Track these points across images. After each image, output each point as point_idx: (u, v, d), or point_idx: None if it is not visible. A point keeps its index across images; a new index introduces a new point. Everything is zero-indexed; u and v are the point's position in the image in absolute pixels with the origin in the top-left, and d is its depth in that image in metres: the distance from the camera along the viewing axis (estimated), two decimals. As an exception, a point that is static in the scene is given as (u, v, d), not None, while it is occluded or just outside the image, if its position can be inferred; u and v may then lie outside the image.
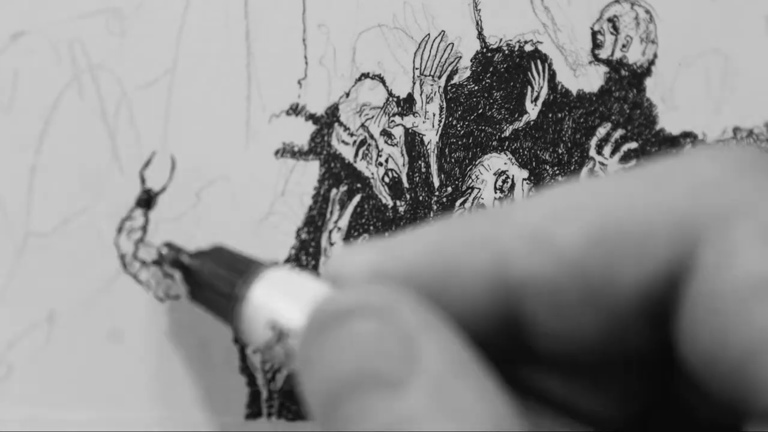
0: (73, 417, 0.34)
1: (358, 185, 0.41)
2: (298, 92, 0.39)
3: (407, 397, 0.22)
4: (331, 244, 0.40)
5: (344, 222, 0.40)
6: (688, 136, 0.49)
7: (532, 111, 0.45)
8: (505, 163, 0.44)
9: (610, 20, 0.46)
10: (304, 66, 0.39)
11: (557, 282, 0.24)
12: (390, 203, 0.41)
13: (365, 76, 0.41)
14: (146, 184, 0.36)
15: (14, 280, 0.34)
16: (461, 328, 0.25)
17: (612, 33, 0.47)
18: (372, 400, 0.23)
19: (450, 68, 0.43)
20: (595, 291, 0.24)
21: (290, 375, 0.39)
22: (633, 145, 0.47)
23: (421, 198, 0.42)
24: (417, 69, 0.42)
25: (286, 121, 0.39)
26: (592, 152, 0.46)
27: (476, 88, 0.43)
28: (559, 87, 0.45)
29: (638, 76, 0.47)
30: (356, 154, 0.40)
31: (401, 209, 0.41)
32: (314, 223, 0.40)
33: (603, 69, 0.46)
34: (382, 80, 0.41)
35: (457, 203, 0.43)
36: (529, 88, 0.45)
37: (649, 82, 0.48)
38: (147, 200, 0.36)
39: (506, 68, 0.44)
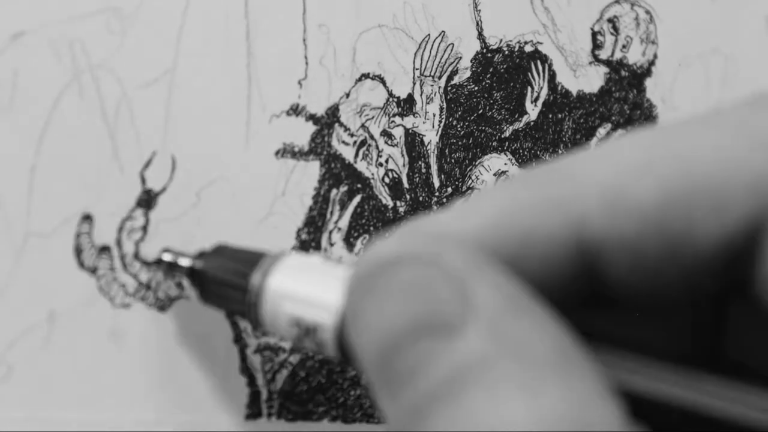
0: (73, 417, 0.34)
1: (359, 186, 0.41)
2: (298, 92, 0.39)
3: (466, 342, 0.22)
4: (332, 245, 0.40)
5: (344, 222, 0.40)
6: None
7: (532, 111, 0.45)
8: (505, 164, 0.44)
9: (610, 21, 0.46)
10: (304, 66, 0.39)
11: (635, 240, 0.23)
12: (390, 204, 0.41)
13: (365, 76, 0.41)
14: (146, 184, 0.36)
15: (14, 280, 0.34)
16: (534, 284, 0.24)
17: (612, 33, 0.47)
18: (429, 347, 0.22)
19: (450, 69, 0.43)
20: (674, 246, 0.23)
21: (291, 375, 0.39)
22: (633, 145, 0.47)
23: (421, 198, 0.42)
24: (417, 69, 0.42)
25: (287, 121, 0.39)
26: (592, 153, 0.46)
27: (476, 88, 0.43)
28: (559, 87, 0.45)
29: (638, 76, 0.47)
30: (356, 155, 0.40)
31: (401, 210, 0.41)
32: (314, 223, 0.40)
33: (603, 69, 0.46)
34: (383, 81, 0.41)
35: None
36: (529, 88, 0.45)
37: (649, 83, 0.48)
38: (147, 200, 0.36)
39: (506, 69, 0.44)
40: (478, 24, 0.43)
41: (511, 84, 0.44)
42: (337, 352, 0.28)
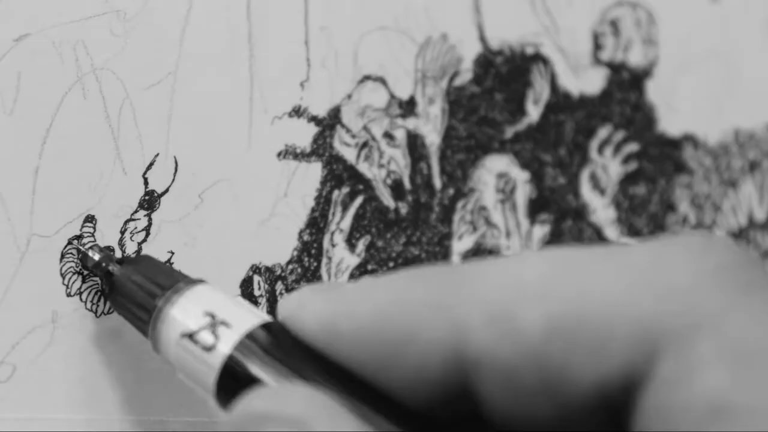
0: (76, 418, 0.34)
1: (360, 187, 0.41)
2: (300, 94, 0.39)
3: None
4: (333, 246, 0.40)
5: (346, 223, 0.40)
6: (689, 137, 0.49)
7: (534, 113, 0.45)
8: (507, 165, 0.44)
9: (611, 22, 0.47)
10: (306, 68, 0.39)
11: (513, 365, 0.23)
12: (392, 205, 0.41)
13: (367, 78, 0.41)
14: (149, 185, 0.36)
15: (18, 281, 0.34)
16: (409, 392, 0.25)
17: (613, 35, 0.47)
18: None
19: (452, 70, 0.43)
20: (551, 379, 0.23)
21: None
22: (634, 146, 0.47)
23: (422, 200, 0.42)
24: (419, 71, 0.42)
25: (289, 122, 0.39)
26: (593, 154, 0.46)
27: (478, 90, 0.43)
28: (561, 89, 0.45)
29: (639, 78, 0.47)
30: (358, 156, 0.41)
31: (403, 211, 0.42)
32: (316, 224, 0.40)
33: (604, 71, 0.46)
34: (384, 82, 0.41)
35: (459, 205, 0.43)
36: (531, 90, 0.45)
37: (650, 84, 0.48)
38: (150, 202, 0.36)
39: (508, 70, 0.44)
40: (479, 26, 0.43)
41: (513, 86, 0.44)
42: (215, 393, 0.28)
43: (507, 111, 0.44)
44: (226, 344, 0.28)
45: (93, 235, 0.35)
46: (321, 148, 0.40)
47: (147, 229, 0.36)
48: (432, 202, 0.42)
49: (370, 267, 0.41)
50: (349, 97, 0.40)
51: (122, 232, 0.35)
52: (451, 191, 0.43)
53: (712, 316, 0.22)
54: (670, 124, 0.48)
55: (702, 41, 0.49)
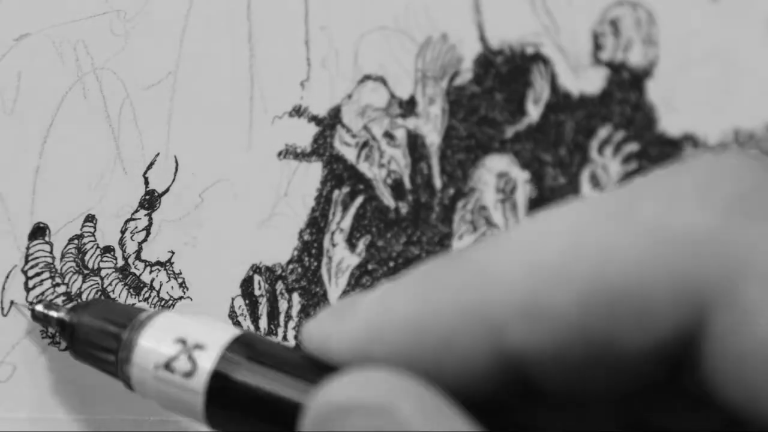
0: (75, 418, 0.34)
1: (361, 187, 0.41)
2: (300, 94, 0.39)
3: None
4: (334, 245, 0.40)
5: (347, 223, 0.40)
6: (689, 137, 0.49)
7: (534, 113, 0.45)
8: (507, 165, 0.44)
9: (611, 22, 0.47)
10: (306, 68, 0.39)
11: (558, 348, 0.23)
12: (392, 205, 0.41)
13: (367, 78, 0.41)
14: (149, 185, 0.36)
15: (18, 281, 0.34)
16: (457, 395, 0.24)
17: (613, 35, 0.47)
18: None
19: (452, 70, 0.43)
20: (599, 352, 0.23)
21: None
22: (634, 146, 0.47)
23: (423, 200, 0.42)
24: (419, 71, 0.42)
25: (289, 122, 0.39)
26: (594, 154, 0.46)
27: (478, 90, 0.43)
28: (561, 89, 0.45)
29: (639, 77, 0.47)
30: (359, 156, 0.41)
31: (403, 211, 0.42)
32: (317, 224, 0.40)
33: (604, 71, 0.46)
34: (385, 82, 0.41)
35: (459, 205, 0.43)
36: (531, 90, 0.45)
37: (650, 84, 0.48)
38: (150, 201, 0.36)
39: (508, 70, 0.44)
40: (479, 26, 0.43)
41: (513, 85, 0.44)
42: (205, 417, 0.28)
43: (507, 111, 0.44)
44: (205, 364, 0.27)
45: (93, 235, 0.35)
46: (321, 148, 0.40)
47: (147, 229, 0.36)
48: (432, 202, 0.42)
49: (370, 267, 0.41)
50: (350, 96, 0.40)
51: (122, 232, 0.35)
52: (451, 191, 0.43)
53: (748, 256, 0.21)
54: (670, 124, 0.48)
55: (702, 41, 0.49)
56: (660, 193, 0.23)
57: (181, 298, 0.36)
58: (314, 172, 0.40)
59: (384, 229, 0.41)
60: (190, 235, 0.37)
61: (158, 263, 0.36)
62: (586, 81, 0.46)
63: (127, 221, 0.35)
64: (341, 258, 0.40)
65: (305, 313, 0.39)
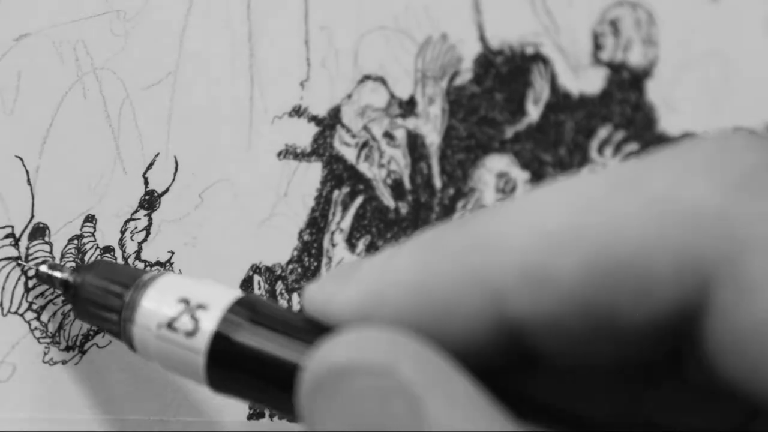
0: (76, 418, 0.34)
1: (361, 187, 0.41)
2: (300, 94, 0.39)
3: None
4: (333, 245, 0.40)
5: (346, 223, 0.40)
6: (689, 137, 0.49)
7: (534, 113, 0.45)
8: (507, 165, 0.44)
9: (611, 22, 0.47)
10: (306, 68, 0.39)
11: (559, 316, 0.23)
12: (392, 205, 0.41)
13: (367, 78, 0.41)
14: (149, 185, 0.36)
15: (18, 280, 0.34)
16: (453, 354, 0.23)
17: (613, 35, 0.47)
18: None
19: (452, 70, 0.43)
20: (600, 323, 0.22)
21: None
22: (634, 146, 0.47)
23: (423, 200, 0.42)
24: (419, 71, 0.42)
25: (289, 122, 0.39)
26: (594, 154, 0.46)
27: (478, 90, 0.43)
28: (561, 89, 0.45)
29: (639, 77, 0.47)
30: (358, 156, 0.41)
31: (403, 211, 0.42)
32: (317, 224, 0.40)
33: (604, 71, 0.46)
34: (384, 82, 0.41)
35: (459, 205, 0.43)
36: (531, 90, 0.45)
37: (649, 84, 0.48)
38: (150, 201, 0.36)
39: (508, 70, 0.44)
40: (479, 26, 0.43)
41: (513, 85, 0.44)
42: (206, 377, 0.28)
43: (507, 111, 0.44)
44: (208, 324, 0.27)
45: (93, 235, 0.35)
46: (321, 148, 0.40)
47: (147, 229, 0.36)
48: (432, 202, 0.42)
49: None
50: (349, 97, 0.40)
51: (122, 232, 0.35)
52: (451, 191, 0.43)
53: (753, 232, 0.21)
54: (670, 124, 0.48)
55: (702, 41, 0.49)
56: (669, 168, 0.23)
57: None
58: (314, 172, 0.40)
59: (384, 229, 0.41)
60: (190, 235, 0.37)
61: (158, 263, 0.36)
62: (586, 81, 0.46)
63: (127, 221, 0.35)
64: (341, 258, 0.40)
65: (305, 313, 0.39)
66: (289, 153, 0.39)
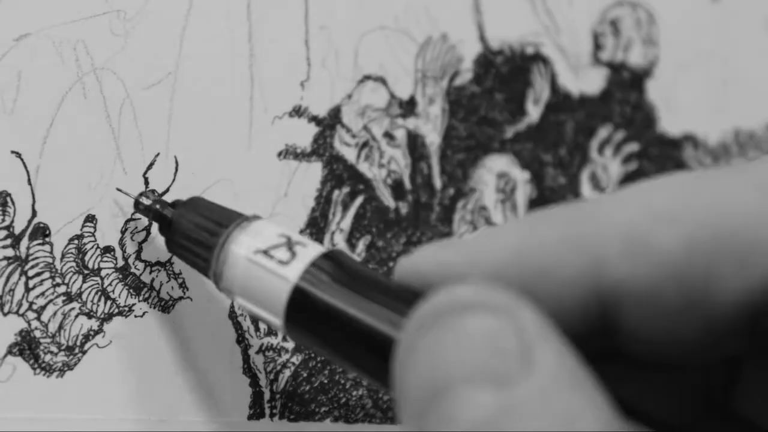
0: (76, 417, 0.34)
1: (361, 187, 0.41)
2: (300, 94, 0.39)
3: (517, 394, 0.22)
4: (334, 246, 0.40)
5: (346, 223, 0.40)
6: (689, 137, 0.49)
7: (534, 113, 0.45)
8: (507, 165, 0.44)
9: (611, 22, 0.47)
10: (306, 68, 0.39)
11: (655, 287, 0.23)
12: (392, 205, 0.41)
13: (367, 78, 0.41)
14: (149, 185, 0.36)
15: (19, 281, 0.34)
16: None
17: (613, 35, 0.47)
18: (481, 393, 0.22)
19: (452, 70, 0.43)
20: (694, 296, 0.23)
21: (293, 376, 0.39)
22: (634, 146, 0.47)
23: (423, 200, 0.42)
24: (419, 71, 0.42)
25: (289, 122, 0.39)
26: (594, 154, 0.46)
27: (478, 90, 0.43)
28: (561, 89, 0.45)
29: (639, 78, 0.47)
30: (358, 156, 0.41)
31: (403, 211, 0.42)
32: (317, 224, 0.40)
33: (604, 71, 0.46)
34: (384, 82, 0.41)
35: (459, 205, 0.43)
36: (531, 90, 0.45)
37: (650, 84, 0.48)
38: (150, 201, 0.36)
39: (508, 70, 0.44)
40: (479, 26, 0.43)
41: (513, 85, 0.44)
42: (286, 312, 0.27)
43: (507, 111, 0.44)
44: (304, 257, 0.27)
45: (93, 235, 0.35)
46: (321, 148, 0.40)
47: (147, 229, 0.36)
48: (432, 202, 0.42)
49: (370, 266, 0.41)
50: (349, 96, 0.40)
51: (122, 232, 0.35)
52: (451, 191, 0.43)
53: None
54: (670, 124, 0.48)
55: (702, 41, 0.49)
56: None
57: (181, 298, 0.36)
58: (314, 172, 0.40)
59: (384, 229, 0.41)
60: (190, 235, 0.37)
61: (158, 263, 0.36)
62: (586, 81, 0.46)
63: (127, 221, 0.35)
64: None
65: (305, 313, 0.39)
66: (289, 153, 0.39)
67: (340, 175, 0.40)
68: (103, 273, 0.35)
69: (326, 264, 0.27)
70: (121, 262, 0.35)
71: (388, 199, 0.41)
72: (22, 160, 0.33)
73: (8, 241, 0.33)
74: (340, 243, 0.40)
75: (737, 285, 0.23)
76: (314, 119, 0.40)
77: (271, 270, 0.28)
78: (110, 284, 0.35)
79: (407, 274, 0.26)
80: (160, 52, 0.36)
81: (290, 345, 0.39)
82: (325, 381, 0.39)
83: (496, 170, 0.44)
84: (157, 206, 0.34)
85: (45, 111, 0.34)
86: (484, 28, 0.43)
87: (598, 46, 0.46)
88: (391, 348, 0.24)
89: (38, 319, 0.34)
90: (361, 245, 0.41)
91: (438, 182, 0.42)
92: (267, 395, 0.38)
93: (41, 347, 0.34)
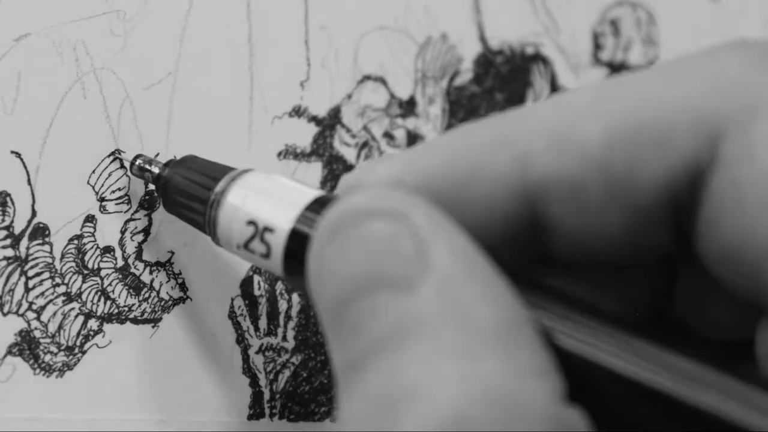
0: (76, 418, 0.34)
1: (361, 187, 0.41)
2: (300, 94, 0.39)
3: (414, 300, 0.22)
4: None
5: (346, 223, 0.40)
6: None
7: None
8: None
9: (611, 22, 0.47)
10: (306, 68, 0.39)
11: (579, 180, 0.24)
12: (392, 205, 0.41)
13: (367, 78, 0.41)
14: (150, 185, 0.36)
15: (19, 280, 0.34)
16: (479, 233, 0.25)
17: (613, 35, 0.47)
18: (381, 300, 0.23)
19: (452, 70, 0.43)
20: (618, 187, 0.24)
21: (293, 376, 0.39)
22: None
23: (423, 199, 0.42)
24: (419, 71, 0.42)
25: (289, 122, 0.39)
26: (594, 154, 0.46)
27: (478, 90, 0.43)
28: (561, 89, 0.45)
29: (639, 78, 0.47)
30: (358, 156, 0.41)
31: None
32: (316, 224, 0.40)
33: (604, 71, 0.46)
34: (384, 82, 0.41)
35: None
36: (531, 90, 0.45)
37: (650, 84, 0.48)
38: (150, 201, 0.36)
39: (508, 70, 0.44)
40: (479, 26, 0.43)
41: (513, 85, 0.44)
42: (283, 264, 0.28)
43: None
44: (310, 193, 0.28)
45: (93, 235, 0.35)
46: (321, 148, 0.40)
47: (147, 229, 0.36)
48: (432, 202, 0.42)
49: None
50: (349, 97, 0.40)
51: (122, 232, 0.35)
52: (451, 191, 0.43)
53: (766, 98, 0.23)
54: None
55: (702, 41, 0.49)
56: (699, 56, 0.24)
57: (181, 298, 0.36)
58: (314, 172, 0.40)
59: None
60: (189, 235, 0.37)
61: (158, 263, 0.36)
62: (586, 81, 0.46)
63: (127, 221, 0.35)
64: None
65: (305, 313, 0.39)
66: (289, 153, 0.39)
67: (340, 175, 0.40)
68: (102, 273, 0.35)
69: (319, 208, 0.28)
70: (121, 262, 0.35)
71: (388, 199, 0.41)
72: (22, 160, 0.33)
73: (8, 241, 0.33)
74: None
75: (658, 171, 0.23)
76: (314, 119, 0.40)
77: (267, 216, 0.29)
78: (110, 284, 0.35)
79: (350, 189, 0.26)
80: (160, 52, 0.36)
81: (290, 345, 0.39)
82: (325, 381, 0.39)
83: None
84: (150, 166, 0.34)
85: (45, 111, 0.34)
86: (484, 28, 0.43)
87: (598, 46, 0.46)
88: None
89: (38, 319, 0.34)
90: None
91: (438, 182, 0.42)
92: (267, 395, 0.38)
93: (41, 347, 0.34)
